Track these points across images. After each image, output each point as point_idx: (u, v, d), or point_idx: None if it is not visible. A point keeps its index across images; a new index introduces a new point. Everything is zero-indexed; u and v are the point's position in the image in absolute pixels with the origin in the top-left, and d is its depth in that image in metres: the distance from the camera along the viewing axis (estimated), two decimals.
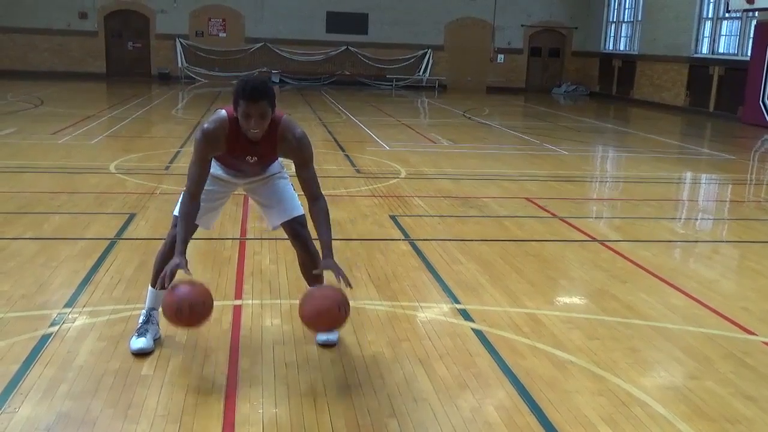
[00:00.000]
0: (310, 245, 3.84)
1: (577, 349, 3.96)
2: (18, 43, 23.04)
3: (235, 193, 4.14)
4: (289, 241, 3.94)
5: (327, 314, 3.34)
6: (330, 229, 3.57)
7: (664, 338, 4.20)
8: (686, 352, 4.01)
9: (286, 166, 3.95)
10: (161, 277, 3.40)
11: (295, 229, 3.82)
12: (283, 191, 3.84)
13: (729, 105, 18.49)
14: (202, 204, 3.60)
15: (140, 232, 5.91)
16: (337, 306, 3.34)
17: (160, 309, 3.54)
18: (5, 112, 13.81)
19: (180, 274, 3.42)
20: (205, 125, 3.50)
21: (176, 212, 3.65)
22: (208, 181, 3.64)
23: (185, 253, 3.45)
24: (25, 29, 22.88)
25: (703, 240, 6.79)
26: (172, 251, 3.51)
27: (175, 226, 3.64)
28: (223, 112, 3.51)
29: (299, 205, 3.86)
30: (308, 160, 3.60)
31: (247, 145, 3.51)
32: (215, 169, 3.74)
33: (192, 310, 3.31)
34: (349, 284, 3.41)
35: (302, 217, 3.84)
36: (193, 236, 3.65)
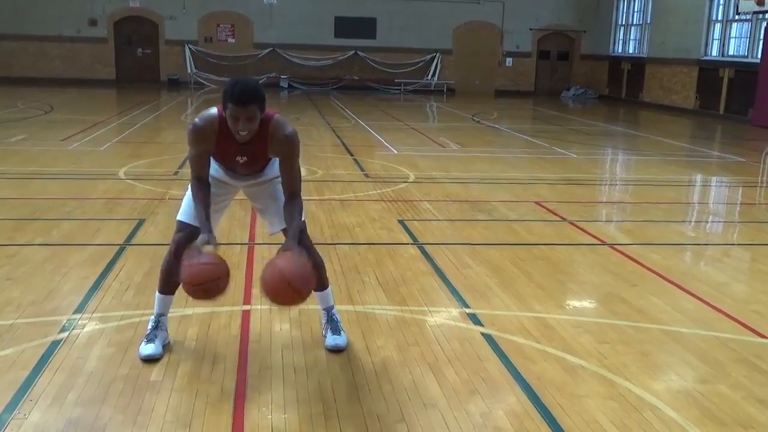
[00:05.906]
0: (312, 251, 3.77)
1: (588, 354, 3.94)
2: (29, 50, 23.23)
3: (238, 198, 4.12)
4: None
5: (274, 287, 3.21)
6: (298, 223, 3.52)
7: (675, 342, 4.17)
8: (698, 356, 3.98)
9: None
10: (191, 249, 3.28)
11: None
12: (282, 196, 3.76)
13: (739, 107, 18.40)
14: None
15: (149, 238, 5.92)
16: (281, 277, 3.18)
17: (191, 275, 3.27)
18: (16, 119, 13.89)
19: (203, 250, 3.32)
20: (196, 120, 3.49)
21: (180, 217, 3.65)
22: None
23: (212, 231, 3.40)
24: (35, 37, 23.08)
25: (714, 243, 6.74)
26: (177, 257, 3.47)
27: (178, 231, 3.63)
28: (215, 110, 3.49)
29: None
30: (294, 156, 3.55)
31: (237, 145, 3.47)
32: (212, 169, 3.68)
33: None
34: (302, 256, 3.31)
35: (302, 224, 3.76)
36: None
